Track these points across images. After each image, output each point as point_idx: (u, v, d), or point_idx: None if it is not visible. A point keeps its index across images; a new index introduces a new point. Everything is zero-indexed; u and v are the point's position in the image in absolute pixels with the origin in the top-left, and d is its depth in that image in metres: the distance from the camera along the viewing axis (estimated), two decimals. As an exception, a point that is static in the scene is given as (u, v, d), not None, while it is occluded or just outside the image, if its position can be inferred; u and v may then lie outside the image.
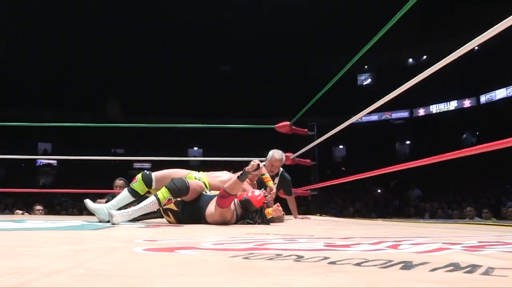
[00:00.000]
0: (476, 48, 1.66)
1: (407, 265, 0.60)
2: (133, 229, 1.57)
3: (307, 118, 3.80)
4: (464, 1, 11.96)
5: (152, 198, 1.95)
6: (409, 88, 1.87)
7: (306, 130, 3.61)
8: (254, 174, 2.00)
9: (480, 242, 0.99)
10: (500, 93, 13.09)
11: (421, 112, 15.27)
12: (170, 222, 2.07)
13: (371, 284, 0.49)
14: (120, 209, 2.00)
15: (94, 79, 14.57)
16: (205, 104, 14.97)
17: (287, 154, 3.09)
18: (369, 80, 17.15)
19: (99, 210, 2.03)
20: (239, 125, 4.42)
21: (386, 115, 15.66)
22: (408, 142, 15.26)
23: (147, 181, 2.11)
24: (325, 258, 0.69)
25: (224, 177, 2.18)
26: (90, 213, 2.24)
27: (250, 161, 1.96)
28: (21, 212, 3.84)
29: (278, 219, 2.18)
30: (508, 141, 1.32)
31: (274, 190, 2.31)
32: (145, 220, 2.22)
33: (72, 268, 0.60)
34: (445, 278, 0.52)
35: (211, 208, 1.93)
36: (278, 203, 2.16)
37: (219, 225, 1.86)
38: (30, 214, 3.76)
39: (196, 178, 2.15)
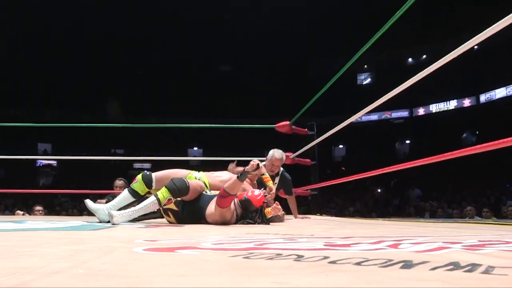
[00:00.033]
0: (475, 47, 1.67)
1: (407, 264, 0.60)
2: (133, 229, 1.57)
3: (306, 118, 3.80)
4: (464, 1, 11.96)
5: (152, 198, 1.95)
6: (409, 88, 1.87)
7: (306, 129, 3.61)
8: (254, 174, 2.00)
9: (480, 241, 0.99)
10: (500, 92, 13.09)
11: (421, 111, 15.27)
12: (170, 222, 2.07)
13: (371, 283, 0.49)
14: (120, 209, 2.00)
15: (94, 79, 14.56)
16: (205, 104, 14.97)
17: (287, 153, 3.09)
18: (368, 80, 17.15)
19: (99, 210, 2.03)
20: (239, 125, 4.42)
21: (386, 115, 15.67)
22: (408, 142, 15.26)
23: (147, 182, 2.11)
24: (325, 257, 0.68)
25: (224, 177, 2.18)
26: (90, 213, 2.24)
27: (250, 161, 1.96)
28: (21, 213, 3.84)
29: (278, 219, 2.18)
30: (508, 141, 1.32)
31: (274, 191, 2.31)
32: (145, 220, 2.22)
33: (72, 268, 0.60)
34: (445, 277, 0.52)
35: (211, 208, 1.93)
36: (277, 202, 2.16)
37: (219, 225, 1.86)
38: (30, 214, 3.76)
39: (196, 178, 2.15)
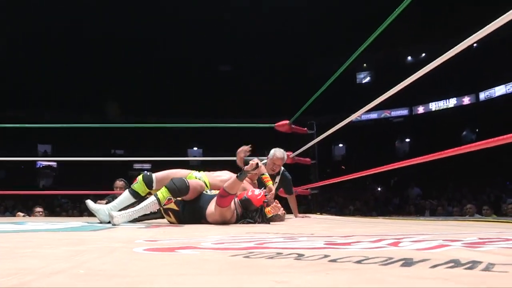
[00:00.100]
0: (475, 45, 1.67)
1: (407, 262, 0.60)
2: (134, 230, 1.57)
3: (306, 117, 3.80)
4: (464, 1, 11.96)
5: (152, 198, 1.95)
6: (408, 86, 1.88)
7: (306, 128, 3.61)
8: (254, 173, 2.00)
9: (480, 238, 0.99)
10: (499, 90, 13.09)
11: (421, 109, 15.27)
12: (170, 222, 2.07)
13: (372, 281, 0.49)
14: (121, 210, 2.00)
15: (94, 79, 14.54)
16: (205, 104, 14.96)
17: (287, 153, 3.09)
18: (368, 78, 17.15)
19: (100, 210, 2.03)
20: (238, 124, 4.42)
21: (386, 113, 15.67)
22: (407, 140, 15.26)
23: (148, 182, 2.11)
24: (326, 256, 0.68)
25: (225, 176, 2.18)
26: (90, 214, 2.24)
27: (250, 160, 1.97)
28: (22, 214, 3.84)
29: (279, 218, 2.18)
30: (508, 138, 1.32)
31: (273, 191, 2.31)
32: (145, 221, 2.22)
33: (73, 268, 0.60)
34: (446, 274, 0.52)
35: (212, 207, 1.93)
36: (276, 200, 2.16)
37: (219, 225, 1.86)
38: (30, 216, 3.76)
39: (196, 178, 2.15)
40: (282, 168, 2.79)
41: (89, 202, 2.05)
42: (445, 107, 14.57)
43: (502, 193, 8.19)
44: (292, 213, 2.97)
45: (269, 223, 2.00)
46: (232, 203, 1.94)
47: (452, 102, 14.42)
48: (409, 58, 15.79)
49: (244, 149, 2.50)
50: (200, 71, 16.23)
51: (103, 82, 14.74)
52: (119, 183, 3.32)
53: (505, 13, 1.30)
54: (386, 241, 0.93)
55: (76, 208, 8.41)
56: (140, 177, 2.15)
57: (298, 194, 3.64)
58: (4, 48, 12.73)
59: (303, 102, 3.26)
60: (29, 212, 4.25)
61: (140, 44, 14.50)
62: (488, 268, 0.55)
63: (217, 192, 1.98)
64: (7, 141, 10.20)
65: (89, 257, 0.72)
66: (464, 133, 12.82)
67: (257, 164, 1.93)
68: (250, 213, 1.98)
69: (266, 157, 2.70)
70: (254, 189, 2.08)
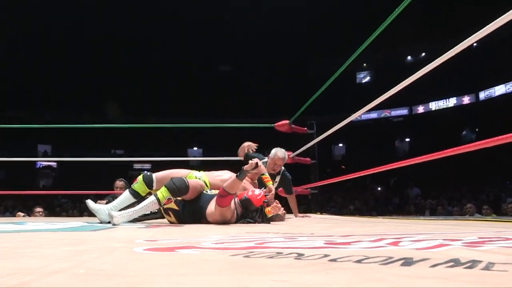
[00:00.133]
0: (474, 44, 1.67)
1: (407, 262, 0.60)
2: (134, 230, 1.57)
3: (306, 117, 3.80)
4: (464, 1, 11.96)
5: (152, 198, 1.96)
6: (408, 86, 1.87)
7: (306, 128, 3.61)
8: (253, 173, 2.00)
9: (480, 238, 0.99)
10: (499, 90, 13.08)
11: (421, 109, 15.27)
12: (171, 222, 2.07)
13: (372, 280, 0.49)
14: (121, 210, 2.00)
15: (94, 79, 14.55)
16: (205, 104, 14.97)
17: (287, 153, 3.09)
18: (368, 78, 17.15)
19: (100, 210, 2.03)
20: (238, 124, 4.42)
21: (386, 113, 15.67)
22: (407, 140, 15.26)
23: (148, 182, 2.11)
24: (326, 255, 0.68)
25: (225, 176, 2.18)
26: (90, 214, 2.24)
27: (252, 157, 1.97)
28: (22, 214, 3.84)
29: (279, 218, 2.18)
30: (508, 137, 1.32)
31: (273, 191, 2.31)
32: (145, 221, 2.22)
33: (73, 268, 0.60)
34: (446, 274, 0.52)
35: (212, 207, 1.93)
36: (277, 200, 2.16)
37: (219, 225, 1.86)
38: (30, 216, 3.76)
39: (196, 178, 2.15)
40: (283, 167, 2.79)
41: (89, 202, 2.05)
42: (445, 106, 14.57)
43: (502, 193, 8.20)
44: (292, 212, 2.97)
45: (269, 223, 2.00)
46: (232, 202, 1.94)
47: (452, 102, 14.42)
48: (409, 57, 15.79)
49: (250, 145, 2.53)
50: (200, 71, 16.23)
51: (103, 82, 14.74)
52: (119, 183, 3.32)
53: (505, 13, 1.30)
54: (386, 241, 0.93)
55: (76, 208, 8.41)
56: (140, 177, 2.15)
57: (298, 194, 3.64)
58: (4, 48, 12.74)
59: (303, 102, 3.26)
60: (29, 212, 4.25)
61: (140, 44, 14.51)
62: (488, 267, 0.55)
63: (217, 191, 1.98)
64: (7, 141, 10.20)
65: (89, 257, 0.72)
66: (464, 132, 12.82)
67: (257, 163, 1.93)
68: (250, 213, 1.98)
69: (267, 157, 2.70)
70: (255, 189, 2.08)
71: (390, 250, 0.77)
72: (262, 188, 2.22)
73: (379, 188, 11.60)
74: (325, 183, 3.52)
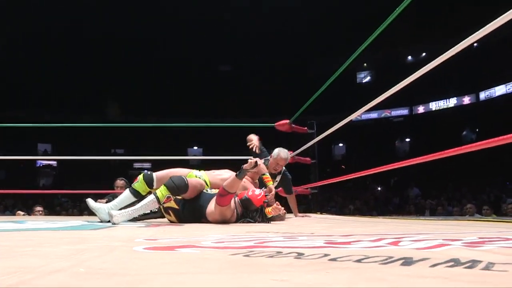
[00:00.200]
0: (475, 44, 1.67)
1: (407, 261, 0.60)
2: (134, 229, 1.57)
3: (306, 116, 3.79)
4: (464, 1, 11.96)
5: (151, 197, 1.96)
6: (408, 86, 1.87)
7: (306, 128, 3.61)
8: (253, 172, 2.00)
9: (480, 238, 0.99)
10: (499, 90, 13.08)
11: (421, 109, 15.27)
12: (171, 221, 2.07)
13: (372, 280, 0.49)
14: (121, 209, 2.00)
15: (94, 79, 14.58)
16: (205, 104, 15.00)
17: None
18: (368, 78, 17.15)
19: (100, 209, 2.03)
20: (238, 124, 4.42)
21: (386, 113, 15.67)
22: (407, 140, 15.27)
23: (149, 181, 2.12)
24: (326, 255, 0.68)
25: (226, 175, 2.18)
26: (90, 213, 2.24)
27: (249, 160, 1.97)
28: (22, 213, 3.84)
29: (279, 218, 2.18)
30: (508, 138, 1.32)
31: (274, 192, 2.31)
32: (145, 220, 2.22)
33: (73, 267, 0.60)
34: (446, 273, 0.52)
35: (212, 206, 1.93)
36: (277, 202, 2.16)
37: (219, 224, 1.86)
38: (30, 215, 3.76)
39: (197, 177, 2.15)
40: (284, 167, 2.79)
41: (90, 201, 2.05)
42: (445, 106, 14.56)
43: (502, 193, 8.19)
44: (292, 212, 2.97)
45: (269, 223, 2.00)
46: (232, 202, 1.94)
47: (452, 102, 14.41)
48: (410, 57, 15.78)
49: (255, 144, 2.56)
50: (200, 71, 16.25)
51: (103, 82, 14.77)
52: (119, 182, 3.32)
53: (505, 12, 1.30)
54: (386, 240, 0.93)
55: (76, 207, 8.41)
56: (140, 176, 2.15)
57: (298, 194, 3.64)
58: (4, 48, 12.76)
59: (303, 102, 3.26)
60: (29, 211, 4.25)
61: (140, 44, 14.53)
62: (488, 267, 0.55)
63: (217, 191, 1.98)
64: (7, 141, 10.20)
65: (90, 256, 0.72)
66: (464, 133, 12.82)
67: (256, 162, 1.93)
68: (250, 213, 1.98)
69: (269, 156, 2.70)
70: (255, 189, 2.08)
71: (390, 249, 0.77)
72: (263, 188, 2.22)
73: (379, 188, 11.61)
74: (325, 183, 3.52)
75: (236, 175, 1.90)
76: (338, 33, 13.31)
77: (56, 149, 14.09)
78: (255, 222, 1.96)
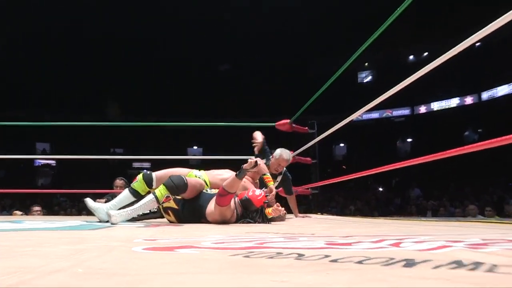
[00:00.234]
0: (477, 44, 1.66)
1: (409, 263, 0.60)
2: (133, 229, 1.57)
3: (307, 116, 3.79)
4: (464, 1, 11.98)
5: (150, 197, 1.96)
6: (410, 85, 1.87)
7: (306, 128, 3.61)
8: (253, 172, 2.00)
9: (483, 239, 0.98)
10: (502, 90, 13.06)
11: (422, 109, 15.27)
12: (170, 221, 2.07)
13: (373, 281, 0.49)
14: (120, 209, 2.00)
15: (94, 79, 14.65)
16: (205, 104, 15.06)
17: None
18: (369, 78, 17.14)
19: (99, 209, 2.03)
20: (238, 123, 4.42)
21: (387, 113, 15.67)
22: (409, 140, 15.26)
23: (148, 181, 2.11)
24: (326, 256, 0.68)
25: (226, 175, 2.18)
26: (89, 213, 2.24)
27: (249, 159, 1.96)
28: (20, 213, 3.84)
29: (279, 218, 2.18)
30: (511, 138, 1.32)
31: (274, 192, 2.31)
32: (144, 220, 2.22)
33: (72, 267, 0.60)
34: (448, 275, 0.52)
35: (211, 206, 1.93)
36: (278, 203, 2.16)
37: (219, 224, 1.86)
38: (28, 215, 3.76)
39: (196, 176, 2.15)
40: (284, 168, 2.79)
41: (88, 201, 2.05)
42: (447, 106, 14.55)
43: (505, 194, 8.18)
44: (292, 212, 2.98)
45: (270, 223, 2.00)
46: (232, 202, 1.94)
47: (454, 102, 14.40)
48: (411, 57, 15.78)
49: (260, 144, 2.57)
50: (200, 71, 16.33)
51: (103, 82, 14.84)
52: (119, 182, 3.31)
53: (505, 12, 1.29)
54: (387, 242, 0.93)
55: (74, 207, 8.42)
56: (140, 176, 2.15)
57: (299, 194, 3.64)
58: (4, 48, 12.82)
59: (303, 102, 3.26)
60: (26, 211, 4.24)
61: (140, 44, 14.60)
62: (492, 269, 0.55)
63: (217, 191, 1.98)
64: (6, 141, 10.21)
65: (89, 256, 0.72)
66: (467, 133, 12.80)
67: (256, 162, 1.92)
68: (250, 213, 1.97)
69: (271, 156, 2.70)
70: (255, 189, 2.08)
71: (392, 251, 0.77)
72: (263, 188, 2.22)
73: (380, 189, 11.60)
74: (326, 183, 3.52)
75: (236, 175, 1.90)
76: (338, 33, 13.37)
77: (54, 148, 14.11)
78: (255, 222, 1.96)
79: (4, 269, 0.57)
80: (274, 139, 2.77)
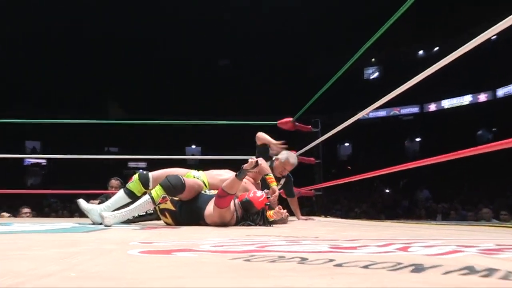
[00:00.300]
0: (493, 37, 1.65)
1: (418, 268, 0.59)
2: (128, 231, 1.58)
3: (310, 115, 3.79)
4: (464, 1, 12.00)
5: (146, 197, 1.96)
6: (419, 82, 1.86)
7: (310, 126, 3.60)
8: (254, 172, 2.00)
9: (498, 245, 0.97)
10: (519, 86, 13.00)
11: (432, 107, 15.22)
12: (167, 224, 2.07)
13: (379, 287, 0.49)
14: (115, 210, 2.00)
15: (94, 79, 14.87)
16: (205, 104, 15.24)
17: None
18: (376, 74, 17.11)
19: (92, 211, 2.03)
20: (240, 122, 4.42)
21: (395, 111, 15.63)
22: (418, 139, 15.23)
23: (144, 181, 2.12)
24: (331, 260, 0.68)
25: (226, 175, 2.18)
26: (82, 215, 2.24)
27: (249, 159, 1.96)
28: (8, 215, 3.84)
29: (281, 221, 2.18)
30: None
31: (277, 193, 2.31)
32: (140, 222, 2.22)
33: (64, 271, 0.60)
34: (460, 282, 0.51)
35: (210, 208, 1.93)
36: (280, 206, 2.16)
37: (218, 227, 1.87)
38: (16, 217, 3.76)
39: (195, 177, 2.15)
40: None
41: (81, 202, 2.06)
42: (459, 104, 14.49)
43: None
44: (294, 215, 2.98)
45: (271, 226, 2.00)
46: (232, 204, 1.94)
47: (467, 99, 14.33)
48: (421, 52, 15.74)
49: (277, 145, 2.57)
50: (200, 71, 16.54)
51: (103, 82, 15.06)
52: (114, 182, 3.31)
53: (506, 12, 1.29)
54: (394, 246, 0.93)
55: (66, 208, 8.43)
56: (136, 176, 2.15)
57: (302, 196, 3.64)
58: (4, 48, 12.97)
59: (304, 102, 3.26)
60: (15, 212, 4.24)
61: (140, 44, 14.82)
62: (507, 276, 0.53)
63: (216, 192, 1.98)
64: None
65: (82, 259, 0.72)
66: (480, 132, 12.76)
67: (257, 162, 1.92)
68: (251, 216, 1.97)
69: (273, 158, 2.70)
70: (257, 190, 2.08)
71: (399, 255, 0.77)
72: (265, 190, 2.22)
73: (387, 190, 11.60)
74: (330, 184, 3.52)
75: (236, 175, 1.89)
76: (338, 33, 13.53)
77: (45, 147, 14.15)
78: (256, 225, 1.96)
79: (-7, 272, 0.57)
80: (277, 139, 2.76)
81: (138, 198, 2.08)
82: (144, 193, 2.11)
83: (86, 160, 9.38)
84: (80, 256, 0.76)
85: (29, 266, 0.64)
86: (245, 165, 1.91)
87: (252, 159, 1.94)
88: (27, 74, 14.24)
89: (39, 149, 14.63)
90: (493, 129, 12.40)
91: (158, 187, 1.95)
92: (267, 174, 2.32)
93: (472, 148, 1.59)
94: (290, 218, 2.55)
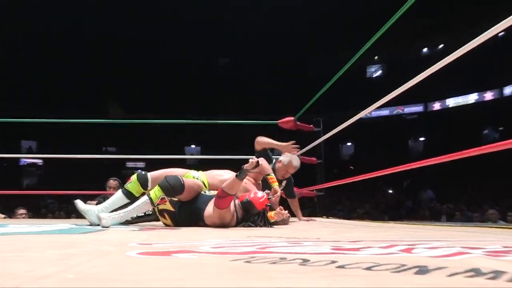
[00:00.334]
0: (500, 34, 1.65)
1: (422, 270, 0.59)
2: (126, 232, 1.58)
3: (312, 114, 3.79)
4: (464, 1, 12.01)
5: (144, 198, 1.96)
6: (423, 80, 1.86)
7: (312, 126, 3.60)
8: (254, 172, 2.00)
9: (505, 247, 0.96)
10: (527, 84, 12.96)
11: (437, 106, 15.19)
12: (166, 225, 2.07)
13: (383, 289, 0.49)
14: (113, 211, 2.01)
15: (94, 79, 14.99)
16: (205, 104, 15.33)
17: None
18: (379, 72, 17.10)
19: (89, 211, 2.03)
20: (240, 121, 4.42)
21: (398, 110, 15.61)
22: (422, 139, 15.21)
23: (143, 182, 2.12)
24: (333, 261, 0.68)
25: (226, 176, 2.18)
26: (79, 215, 2.25)
27: (249, 159, 1.97)
28: (3, 216, 3.84)
29: (282, 222, 2.19)
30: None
31: (279, 193, 2.31)
32: (139, 223, 2.23)
33: (62, 272, 0.60)
34: (465, 284, 0.51)
35: (210, 209, 1.93)
36: (281, 206, 2.16)
37: (218, 228, 1.87)
38: (11, 218, 3.76)
39: (194, 177, 2.15)
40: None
41: (78, 203, 2.06)
42: (464, 103, 14.45)
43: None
44: (295, 215, 2.98)
45: (272, 227, 2.00)
46: (232, 204, 1.94)
47: (472, 98, 14.30)
48: (425, 50, 15.71)
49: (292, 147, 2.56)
50: (200, 71, 16.65)
51: (103, 82, 15.18)
52: (112, 182, 3.32)
53: (506, 12, 1.28)
54: (398, 247, 0.93)
55: (63, 209, 8.44)
56: (134, 176, 2.15)
57: (303, 196, 3.64)
58: (4, 48, 13.06)
59: (304, 102, 3.26)
60: (10, 214, 4.24)
61: (140, 44, 14.94)
62: (514, 278, 0.54)
63: (216, 192, 1.98)
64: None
65: (79, 261, 0.72)
66: (486, 131, 12.73)
67: (258, 162, 1.92)
68: (251, 217, 1.98)
69: (274, 159, 2.69)
70: (257, 191, 2.08)
71: (403, 257, 0.77)
72: (266, 190, 2.22)
73: (390, 191, 11.59)
74: (332, 184, 3.52)
75: (236, 175, 1.90)
76: (338, 33, 13.59)
77: (41, 147, 14.19)
78: (256, 226, 1.96)
79: (-11, 274, 0.58)
80: (277, 138, 2.76)
81: (136, 198, 2.08)
82: (143, 194, 2.11)
83: (83, 160, 9.40)
84: (78, 258, 0.77)
85: (27, 267, 0.64)
86: (246, 165, 1.91)
87: (252, 159, 1.95)
88: (27, 74, 14.37)
89: (35, 148, 14.66)
90: (500, 128, 12.36)
91: (156, 188, 1.95)
92: (269, 174, 2.32)
93: (477, 148, 1.58)
94: (291, 219, 2.56)
